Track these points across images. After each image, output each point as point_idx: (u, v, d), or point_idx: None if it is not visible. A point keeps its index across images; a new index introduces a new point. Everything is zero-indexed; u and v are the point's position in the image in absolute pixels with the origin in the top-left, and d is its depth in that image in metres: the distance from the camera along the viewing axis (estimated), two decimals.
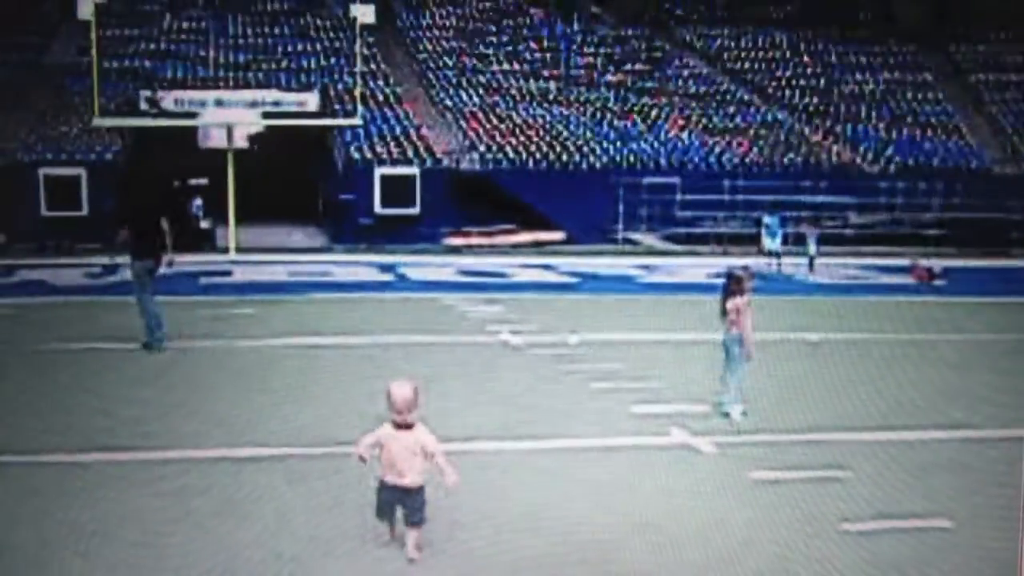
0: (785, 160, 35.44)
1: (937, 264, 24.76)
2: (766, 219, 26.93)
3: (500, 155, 34.59)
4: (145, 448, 9.49)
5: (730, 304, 10.92)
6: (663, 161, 34.67)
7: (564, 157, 34.77)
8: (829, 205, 32.41)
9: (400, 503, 6.91)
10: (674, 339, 15.24)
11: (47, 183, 31.02)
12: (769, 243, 26.24)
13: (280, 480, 8.62)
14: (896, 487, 8.62)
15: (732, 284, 11.07)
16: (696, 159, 35.08)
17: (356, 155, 33.41)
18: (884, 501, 8.26)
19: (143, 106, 32.41)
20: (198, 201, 31.65)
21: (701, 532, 7.53)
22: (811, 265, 25.49)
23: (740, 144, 36.00)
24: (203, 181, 32.28)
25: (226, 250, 28.71)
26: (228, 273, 24.30)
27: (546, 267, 25.90)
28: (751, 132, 37.09)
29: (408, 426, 6.81)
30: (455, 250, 30.56)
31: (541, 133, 35.92)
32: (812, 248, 25.84)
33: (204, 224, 31.26)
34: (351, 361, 13.65)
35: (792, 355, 13.68)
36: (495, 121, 36.51)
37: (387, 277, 23.91)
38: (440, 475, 6.80)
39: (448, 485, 6.71)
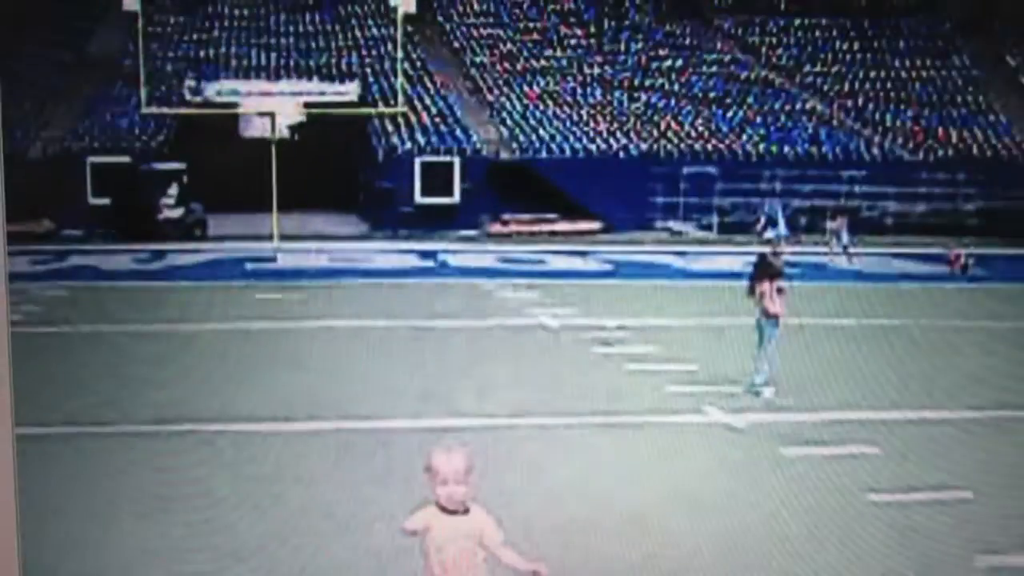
0: (823, 149, 35.57)
1: (974, 253, 24.88)
2: (768, 207, 27.46)
3: (540, 144, 34.97)
4: (201, 421, 10.02)
5: (760, 287, 11.29)
6: (702, 150, 34.90)
7: (603, 146, 35.08)
8: (868, 194, 32.55)
9: None
10: (709, 324, 15.60)
11: (94, 171, 31.77)
12: (770, 232, 26.81)
13: (331, 451, 9.10)
14: (922, 462, 8.98)
15: (762, 267, 11.44)
16: (735, 148, 35.29)
17: (396, 144, 33.93)
18: (910, 474, 8.62)
19: (187, 96, 33.07)
20: (172, 189, 31.02)
21: (732, 503, 7.93)
22: (839, 250, 25.74)
23: (779, 132, 36.15)
24: (179, 166, 31.61)
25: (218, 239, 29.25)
26: (272, 259, 24.91)
27: (584, 255, 26.28)
28: (790, 121, 37.22)
29: (464, 511, 4.74)
30: (494, 238, 30.99)
31: (581, 122, 36.25)
32: (844, 236, 26.06)
33: (171, 213, 30.55)
34: (394, 343, 14.16)
35: (824, 338, 14.04)
36: (535, 110, 36.89)
37: (427, 264, 24.40)
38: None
39: (536, 572, 4.72)
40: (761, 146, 35.56)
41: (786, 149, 35.51)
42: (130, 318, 15.97)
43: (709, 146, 35.37)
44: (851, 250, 25.89)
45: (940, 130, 37.55)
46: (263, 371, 12.31)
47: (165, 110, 32.36)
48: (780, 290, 11.40)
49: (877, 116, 38.41)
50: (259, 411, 10.43)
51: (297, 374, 12.19)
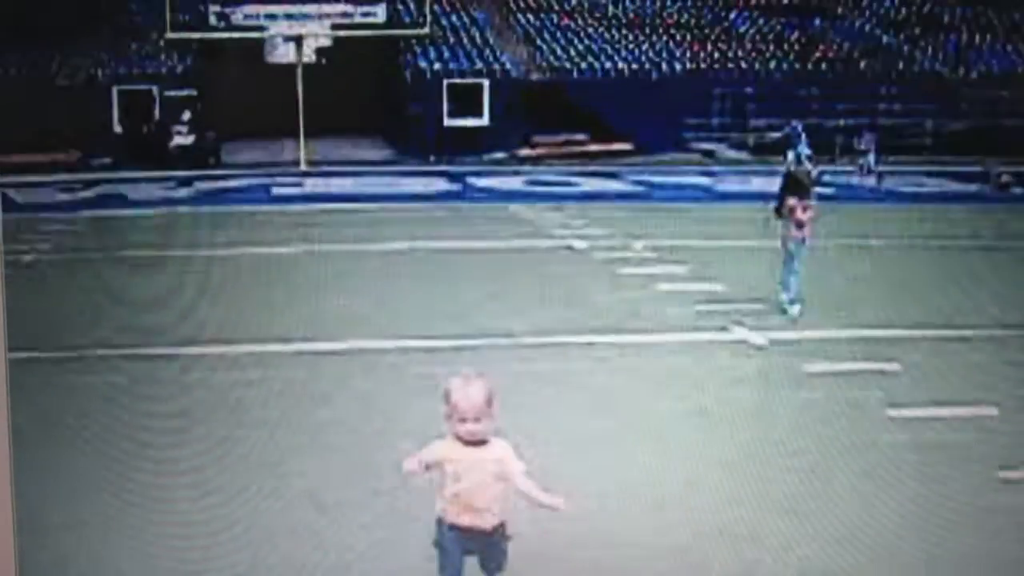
0: (861, 66, 35.10)
1: (1013, 171, 24.66)
2: (791, 126, 27.36)
3: (570, 64, 34.74)
4: (231, 342, 10.28)
5: (788, 204, 11.33)
6: (736, 69, 34.55)
7: (635, 66, 34.80)
8: (906, 112, 32.16)
9: (474, 551, 4.79)
10: (738, 245, 15.66)
11: (120, 99, 31.95)
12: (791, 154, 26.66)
13: (356, 370, 9.34)
14: (946, 379, 9.07)
15: (789, 185, 11.47)
16: (770, 67, 34.90)
17: (424, 66, 33.81)
18: (933, 391, 8.71)
19: (212, 21, 33.03)
20: (184, 116, 31.18)
21: (753, 417, 8.08)
22: (867, 170, 25.54)
23: (815, 51, 35.69)
24: (191, 92, 31.86)
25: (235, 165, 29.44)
26: (299, 184, 25.11)
27: (615, 176, 26.28)
28: (826, 39, 36.70)
29: (480, 442, 4.64)
30: (524, 161, 30.98)
31: (612, 41, 35.93)
32: (872, 156, 25.83)
33: (183, 140, 30.71)
34: (422, 265, 14.38)
35: (852, 258, 14.17)
36: (565, 29, 36.56)
37: (455, 187, 24.51)
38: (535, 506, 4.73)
39: (554, 506, 4.61)
40: (797, 64, 35.15)
41: (823, 67, 35.10)
42: (157, 244, 16.27)
43: (744, 64, 35.01)
44: (880, 169, 25.71)
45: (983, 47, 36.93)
46: (290, 294, 12.56)
47: (190, 35, 32.31)
48: (807, 208, 11.44)
49: (917, 32, 37.78)
50: (287, 332, 10.68)
51: (323, 296, 12.44)
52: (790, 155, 26.51)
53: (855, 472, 6.96)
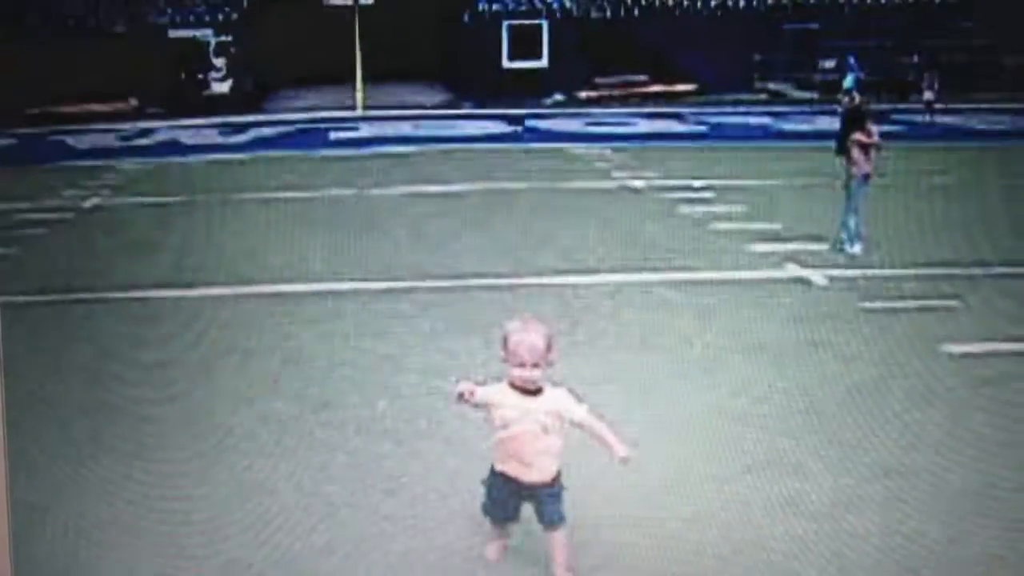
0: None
1: None
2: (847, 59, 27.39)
3: (631, 1, 34.50)
4: (287, 281, 10.64)
5: (849, 141, 11.35)
6: (804, 3, 34.06)
7: (699, 3, 34.49)
8: (980, 48, 31.50)
9: (527, 501, 4.77)
10: (800, 184, 15.70)
11: (171, 46, 32.32)
12: (846, 83, 26.81)
13: (408, 308, 9.63)
14: (1003, 315, 9.11)
15: (851, 120, 11.48)
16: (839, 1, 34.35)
17: (483, 7, 33.79)
18: (989, 327, 8.77)
19: None
20: (220, 62, 31.56)
21: (805, 352, 8.23)
22: (928, 109, 25.19)
23: None
24: (226, 38, 32.11)
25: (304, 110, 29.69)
26: (355, 128, 25.40)
27: (677, 117, 26.23)
28: None
29: (536, 391, 4.56)
30: (584, 102, 30.96)
31: None
32: (928, 93, 25.41)
33: (219, 87, 31.26)
34: (480, 206, 14.67)
35: (914, 196, 14.14)
36: None
37: (514, 129, 24.65)
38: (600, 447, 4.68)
39: (621, 457, 4.57)
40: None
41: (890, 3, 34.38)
42: (215, 187, 16.73)
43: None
44: (943, 105, 25.32)
45: None
46: (347, 235, 12.89)
47: None
48: (866, 147, 11.44)
49: None
50: (344, 272, 11.04)
51: (382, 237, 12.78)
52: (844, 84, 26.68)
53: (908, 406, 7.09)
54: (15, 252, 12.41)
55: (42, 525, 5.52)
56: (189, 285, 10.63)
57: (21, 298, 10.32)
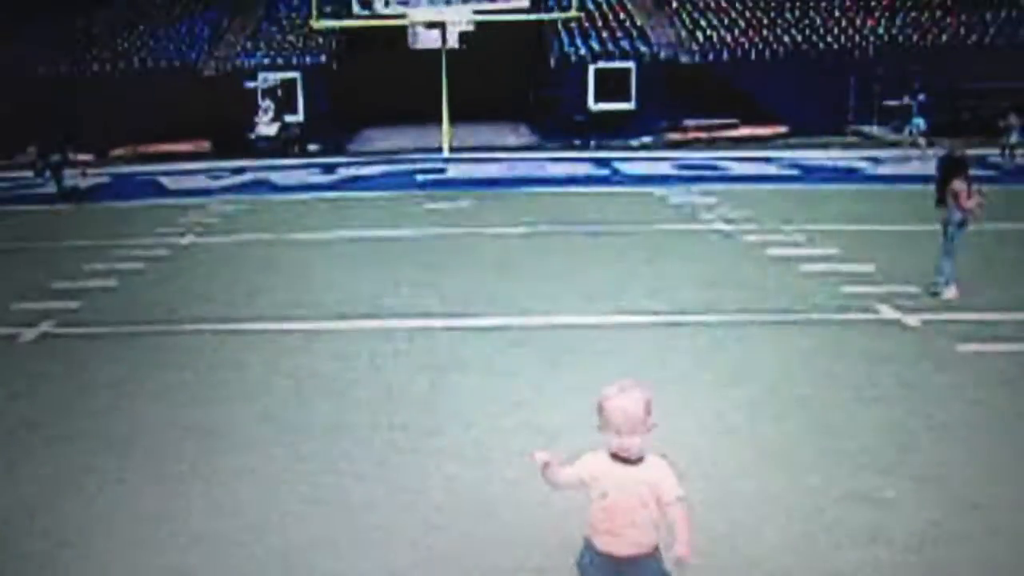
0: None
1: None
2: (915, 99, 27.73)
3: (720, 46, 34.83)
4: (378, 317, 11.11)
5: (950, 186, 11.47)
6: (898, 46, 34.04)
7: (789, 46, 34.67)
8: None
9: None
10: (893, 229, 15.81)
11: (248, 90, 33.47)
12: (911, 124, 27.21)
13: (504, 344, 9.99)
14: None
15: (949, 166, 11.63)
16: (937, 43, 34.25)
17: (569, 50, 34.37)
18: None
19: (356, 9, 34.22)
20: (266, 103, 32.54)
21: (896, 392, 8.38)
22: (1006, 153, 24.97)
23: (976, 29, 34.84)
24: (275, 82, 33.35)
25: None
26: (442, 170, 25.98)
27: (767, 160, 26.37)
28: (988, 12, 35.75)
29: (635, 460, 4.36)
30: (672, 145, 31.24)
31: (764, 21, 35.87)
32: (1014, 136, 25.16)
33: (266, 130, 32.15)
34: (565, 247, 15.03)
35: (1009, 241, 14.22)
36: (715, 10, 36.66)
37: (601, 171, 25.01)
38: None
39: (678, 556, 4.25)
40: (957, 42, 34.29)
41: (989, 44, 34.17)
42: (306, 227, 17.36)
43: (901, 38, 34.47)
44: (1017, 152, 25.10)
45: None
46: (437, 273, 13.35)
47: (334, 23, 33.59)
48: (974, 193, 11.53)
49: None
50: (435, 308, 11.48)
51: (471, 274, 13.21)
52: (910, 125, 27.13)
53: (1000, 447, 7.23)
54: (116, 284, 13.19)
55: (158, 536, 5.98)
56: (280, 318, 11.21)
57: (127, 328, 10.97)
